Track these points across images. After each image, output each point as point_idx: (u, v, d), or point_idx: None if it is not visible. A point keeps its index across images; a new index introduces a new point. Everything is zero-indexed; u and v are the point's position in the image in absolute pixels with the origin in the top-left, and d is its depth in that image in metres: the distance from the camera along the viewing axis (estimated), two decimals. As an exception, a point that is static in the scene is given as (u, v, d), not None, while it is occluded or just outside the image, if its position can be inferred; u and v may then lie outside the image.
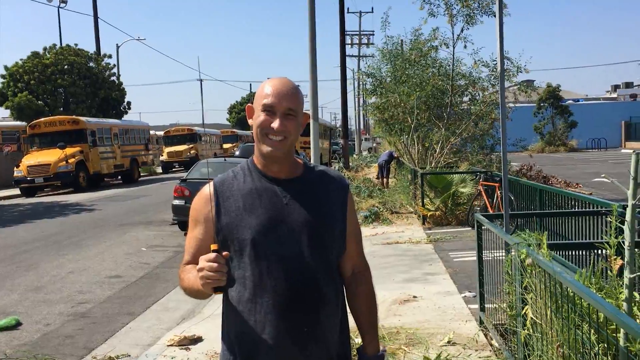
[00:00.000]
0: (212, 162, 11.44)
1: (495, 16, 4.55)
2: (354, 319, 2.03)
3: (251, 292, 1.82)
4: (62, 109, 29.02)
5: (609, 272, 3.11)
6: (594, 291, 2.91)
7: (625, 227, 2.64)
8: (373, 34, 44.09)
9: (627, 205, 2.65)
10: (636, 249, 2.73)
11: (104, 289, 7.54)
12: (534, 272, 3.29)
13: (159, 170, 35.41)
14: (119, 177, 27.59)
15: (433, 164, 14.96)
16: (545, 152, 37.79)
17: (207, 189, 1.92)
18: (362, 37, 44.29)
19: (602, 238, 4.25)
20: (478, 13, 13.97)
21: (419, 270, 7.44)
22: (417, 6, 14.46)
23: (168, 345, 5.12)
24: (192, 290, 1.86)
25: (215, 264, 1.66)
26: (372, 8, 48.53)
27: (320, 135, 13.82)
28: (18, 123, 28.54)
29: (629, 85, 62.97)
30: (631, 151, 2.97)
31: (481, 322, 5.06)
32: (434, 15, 14.42)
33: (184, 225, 10.95)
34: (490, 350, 4.53)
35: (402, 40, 18.42)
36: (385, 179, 18.39)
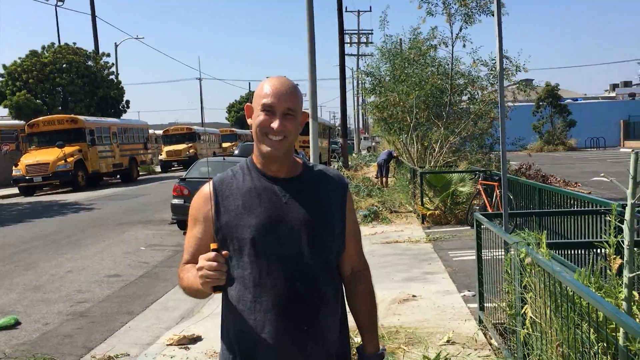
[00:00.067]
0: (211, 161, 11.44)
1: (493, 15, 4.55)
2: (353, 318, 2.03)
3: (251, 292, 1.82)
4: (60, 107, 28.99)
5: (608, 271, 3.11)
6: (594, 290, 2.91)
7: (625, 226, 2.64)
8: (372, 33, 44.06)
9: (626, 205, 2.65)
10: (635, 248, 2.73)
11: (103, 288, 7.53)
12: (533, 271, 3.29)
13: (158, 169, 35.39)
14: (118, 176, 27.57)
15: (432, 163, 14.96)
16: (544, 151, 37.82)
17: (206, 188, 1.92)
18: (361, 36, 44.27)
19: (601, 237, 4.25)
20: (476, 12, 13.97)
21: (418, 270, 7.45)
22: (416, 5, 14.45)
23: (167, 345, 5.11)
24: (192, 290, 1.86)
25: (214, 263, 1.66)
26: (370, 7, 48.55)
27: (319, 134, 13.82)
28: (16, 122, 28.50)
29: (627, 84, 63.04)
30: (630, 150, 2.97)
31: (480, 322, 5.06)
32: (433, 15, 14.41)
33: (183, 225, 10.95)
34: (490, 350, 4.53)
35: (400, 39, 18.42)
36: (384, 178, 18.39)
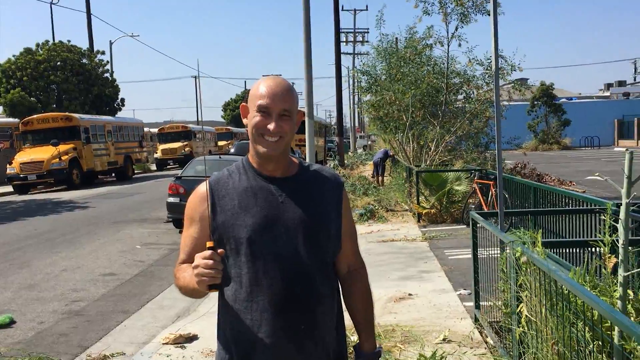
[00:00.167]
0: (207, 159, 11.41)
1: (489, 15, 4.56)
2: (350, 317, 2.04)
3: (247, 291, 1.82)
4: (55, 105, 28.88)
5: (603, 270, 3.12)
6: (589, 289, 2.92)
7: (620, 225, 2.65)
8: (368, 32, 44.09)
9: (621, 204, 2.67)
10: (630, 247, 2.74)
11: (98, 286, 7.52)
12: (528, 270, 3.30)
13: (153, 167, 35.30)
14: (113, 175, 27.48)
15: (428, 161, 14.99)
16: (539, 150, 37.92)
17: (202, 188, 1.92)
18: (357, 34, 44.28)
19: (596, 236, 4.27)
20: (472, 12, 14.00)
21: (415, 268, 7.46)
22: (412, 4, 14.48)
23: (163, 344, 5.11)
24: (188, 289, 1.86)
25: (210, 261, 1.66)
26: (367, 6, 48.43)
27: (315, 133, 13.84)
28: (11, 120, 28.37)
29: (622, 83, 63.15)
30: (624, 149, 2.99)
31: (476, 320, 5.08)
32: (429, 14, 14.44)
33: (178, 223, 10.93)
34: (485, 348, 4.55)
35: (397, 38, 18.44)
36: (380, 177, 18.42)
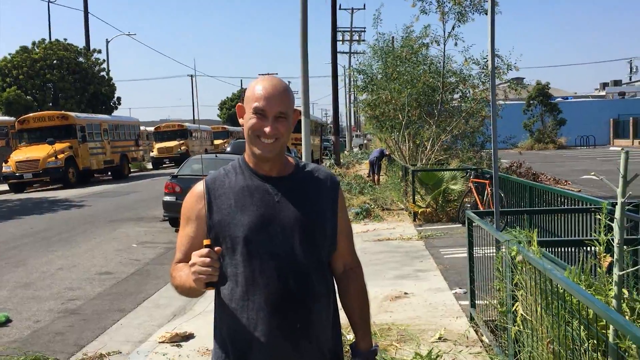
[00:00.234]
0: (203, 158, 11.41)
1: (486, 14, 4.57)
2: (346, 316, 2.04)
3: (243, 290, 1.82)
4: (51, 104, 28.81)
5: (598, 269, 3.14)
6: (584, 288, 2.93)
7: (615, 225, 2.66)
8: (364, 31, 44.03)
9: (616, 203, 2.68)
10: (625, 246, 2.75)
11: (94, 285, 7.50)
12: (524, 269, 3.31)
13: (149, 166, 35.24)
14: (109, 173, 27.42)
15: (424, 160, 15.01)
16: (535, 150, 38.02)
17: (199, 187, 1.93)
18: (354, 33, 44.21)
19: (591, 235, 4.29)
20: (470, 11, 14.00)
21: (410, 267, 7.47)
22: (410, 3, 14.47)
23: (159, 342, 5.11)
24: (184, 288, 1.86)
25: (207, 259, 1.67)
26: (364, 5, 48.44)
27: (311, 131, 13.82)
28: (6, 118, 28.26)
29: (617, 83, 63.35)
30: (619, 149, 3.00)
31: (472, 319, 5.09)
32: (426, 13, 14.44)
33: (174, 222, 10.92)
34: (481, 347, 4.56)
35: (393, 37, 18.45)
36: (376, 176, 18.43)
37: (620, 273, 2.65)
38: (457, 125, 15.50)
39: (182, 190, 10.55)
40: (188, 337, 5.21)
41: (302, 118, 11.73)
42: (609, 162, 23.44)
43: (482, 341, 4.67)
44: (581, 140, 41.19)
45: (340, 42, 41.87)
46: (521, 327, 3.37)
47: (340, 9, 38.59)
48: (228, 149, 17.91)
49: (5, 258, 9.28)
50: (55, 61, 29.02)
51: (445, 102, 15.99)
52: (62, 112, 24.65)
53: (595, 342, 2.57)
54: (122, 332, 5.69)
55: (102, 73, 32.17)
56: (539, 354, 3.07)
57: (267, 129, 1.82)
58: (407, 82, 15.66)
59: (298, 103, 10.36)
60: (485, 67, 14.59)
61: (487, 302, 4.66)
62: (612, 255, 2.75)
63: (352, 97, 44.01)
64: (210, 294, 1.88)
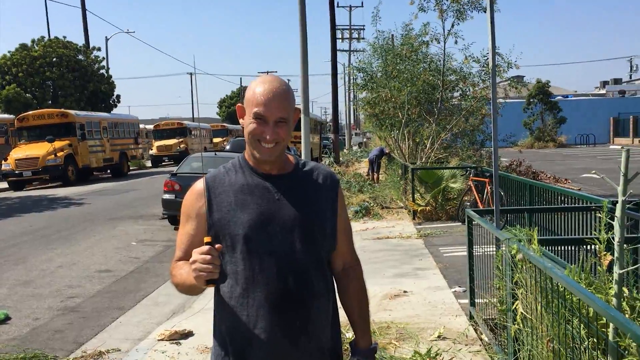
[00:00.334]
0: (203, 156, 11.40)
1: (485, 11, 4.56)
2: (345, 314, 2.04)
3: (243, 288, 1.82)
4: (50, 102, 28.80)
5: (598, 267, 3.13)
6: (584, 286, 2.93)
7: (615, 223, 2.66)
8: (364, 29, 44.13)
9: (616, 201, 2.67)
10: (625, 245, 2.75)
11: (93, 283, 7.50)
12: (524, 267, 3.31)
13: (149, 164, 35.21)
14: (108, 171, 27.42)
15: (423, 159, 15.00)
16: (535, 148, 37.99)
17: (199, 185, 1.93)
18: (353, 31, 44.27)
19: (592, 234, 4.28)
20: (468, 8, 13.97)
21: (410, 265, 7.47)
22: (408, 1, 14.43)
23: (159, 340, 5.10)
24: (185, 286, 1.86)
25: (208, 256, 1.66)
26: (362, 2, 48.29)
27: (310, 130, 13.82)
28: (6, 116, 28.25)
29: (617, 81, 63.31)
30: (619, 147, 2.99)
31: (471, 317, 5.09)
32: (425, 11, 14.39)
33: (173, 220, 10.91)
34: (480, 345, 4.56)
35: (392, 35, 18.41)
36: (375, 174, 18.42)
37: (621, 271, 2.64)
38: (457, 124, 15.48)
39: (182, 188, 10.54)
40: (187, 334, 5.21)
41: (302, 116, 11.73)
42: (609, 161, 23.44)
43: (481, 340, 4.67)
44: (581, 139, 41.18)
45: (340, 40, 41.94)
46: (521, 325, 3.37)
47: (338, 6, 38.48)
48: (227, 147, 17.89)
49: (5, 256, 9.27)
50: (54, 59, 29.01)
51: (445, 100, 15.96)
52: (62, 110, 24.63)
53: (595, 340, 2.57)
54: (121, 330, 5.69)
55: (101, 71, 32.16)
56: (539, 353, 3.06)
57: (267, 135, 1.81)
58: (407, 80, 15.63)
59: (298, 101, 10.35)
60: (485, 65, 14.56)
61: (487, 301, 4.66)
62: (612, 254, 2.75)
63: (352, 95, 44.03)
64: (210, 291, 1.87)
